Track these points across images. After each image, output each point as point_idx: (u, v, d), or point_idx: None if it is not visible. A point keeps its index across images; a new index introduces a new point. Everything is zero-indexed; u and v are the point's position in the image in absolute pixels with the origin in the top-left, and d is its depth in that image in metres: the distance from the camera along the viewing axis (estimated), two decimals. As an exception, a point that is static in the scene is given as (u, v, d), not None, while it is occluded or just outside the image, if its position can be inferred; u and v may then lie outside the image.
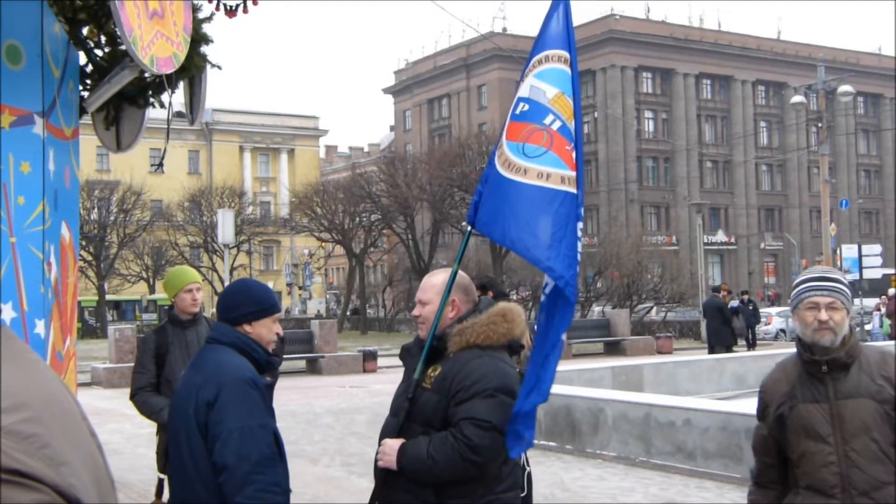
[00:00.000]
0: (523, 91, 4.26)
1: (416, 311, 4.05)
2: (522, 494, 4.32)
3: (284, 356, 25.58)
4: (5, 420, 1.39)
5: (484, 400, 3.67)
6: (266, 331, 3.87)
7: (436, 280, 4.06)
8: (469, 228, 4.41)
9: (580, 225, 4.05)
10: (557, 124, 4.12)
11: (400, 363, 4.22)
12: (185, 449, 3.65)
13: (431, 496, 3.73)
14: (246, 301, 3.89)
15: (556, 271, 3.91)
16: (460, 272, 4.12)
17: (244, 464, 3.50)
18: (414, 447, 3.71)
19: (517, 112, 4.24)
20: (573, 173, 4.06)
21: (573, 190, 4.04)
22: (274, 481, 3.57)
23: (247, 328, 3.83)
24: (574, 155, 4.09)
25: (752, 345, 28.12)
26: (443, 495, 3.73)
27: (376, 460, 3.90)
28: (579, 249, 4.00)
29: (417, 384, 3.85)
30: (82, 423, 1.58)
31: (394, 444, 3.76)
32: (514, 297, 53.39)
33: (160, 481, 6.43)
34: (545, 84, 4.21)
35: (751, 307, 28.85)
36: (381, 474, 3.84)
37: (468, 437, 3.62)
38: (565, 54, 4.27)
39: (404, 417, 3.84)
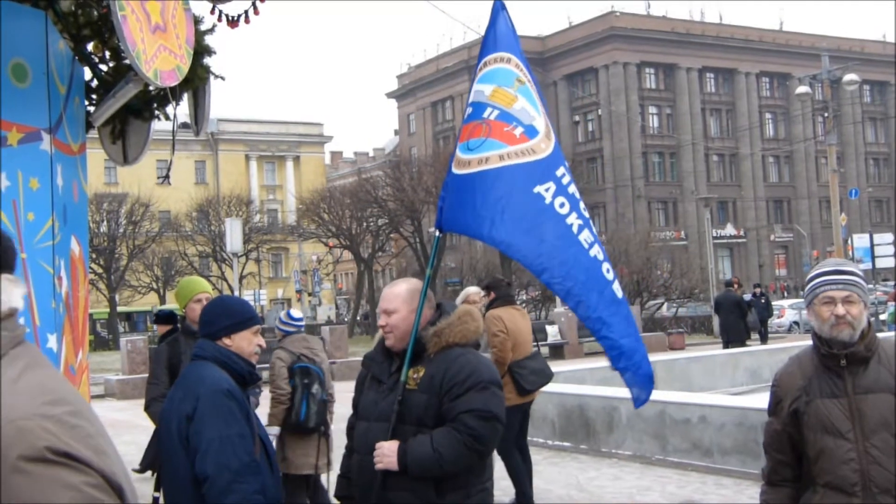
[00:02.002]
0: (471, 97, 4.67)
1: (381, 321, 4.18)
2: None
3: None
4: (52, 411, 1.53)
5: (480, 392, 3.87)
6: (246, 343, 3.92)
7: (399, 289, 4.22)
8: (437, 234, 4.68)
9: (545, 186, 4.37)
10: (495, 113, 4.51)
11: None
12: (173, 464, 3.72)
13: (432, 491, 3.86)
14: (223, 315, 3.96)
15: (496, 239, 4.31)
16: (416, 280, 4.41)
17: (224, 473, 3.54)
18: (417, 446, 3.84)
19: (465, 116, 4.65)
20: (515, 147, 4.42)
21: (520, 160, 4.39)
22: (255, 489, 3.60)
23: (226, 341, 3.89)
24: (518, 131, 4.46)
25: (763, 338, 28.03)
26: (442, 490, 3.87)
27: (359, 465, 4.04)
28: (537, 208, 4.32)
29: (403, 388, 3.98)
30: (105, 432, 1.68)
31: (391, 446, 3.88)
32: (524, 297, 53.34)
33: (154, 500, 6.45)
34: (484, 85, 4.65)
35: (763, 300, 28.74)
36: (380, 477, 3.92)
37: (473, 428, 3.80)
38: (502, 54, 4.71)
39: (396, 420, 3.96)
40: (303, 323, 8.06)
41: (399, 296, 4.17)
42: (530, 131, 4.48)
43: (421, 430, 3.88)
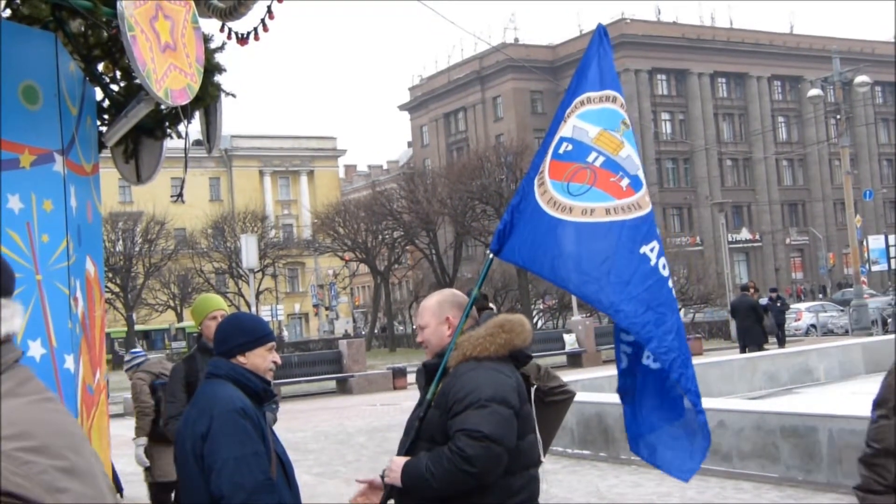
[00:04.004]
0: (566, 131, 4.41)
1: (419, 337, 4.15)
2: None
3: (315, 377, 25.80)
4: (5, 447, 1.50)
5: (476, 410, 3.69)
6: (261, 360, 3.92)
7: (429, 303, 4.16)
8: (491, 256, 4.51)
9: (650, 246, 4.21)
10: (601, 160, 4.30)
11: None
12: (189, 483, 3.73)
13: None
14: (237, 332, 3.97)
15: (604, 302, 4.13)
16: (457, 292, 4.31)
17: (239, 492, 3.55)
18: (414, 463, 3.76)
19: (560, 152, 4.38)
20: (621, 201, 4.23)
21: (624, 217, 4.20)
22: None
23: (241, 359, 3.89)
24: (624, 183, 4.26)
25: (781, 342, 27.86)
26: None
27: (383, 478, 3.98)
28: (643, 271, 4.16)
29: (429, 403, 3.92)
30: (96, 462, 1.62)
31: (399, 461, 3.82)
32: (541, 306, 53.32)
33: None
34: (588, 124, 4.39)
35: (779, 304, 28.60)
36: (388, 491, 3.91)
37: (461, 449, 3.63)
38: (610, 93, 4.51)
39: (414, 436, 3.91)
40: (144, 353, 9.54)
41: (428, 309, 4.11)
42: (636, 183, 4.33)
43: (432, 446, 3.79)
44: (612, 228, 4.17)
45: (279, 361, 4.05)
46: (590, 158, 4.31)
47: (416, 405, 4.15)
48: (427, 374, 4.05)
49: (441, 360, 3.96)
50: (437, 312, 4.07)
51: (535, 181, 4.38)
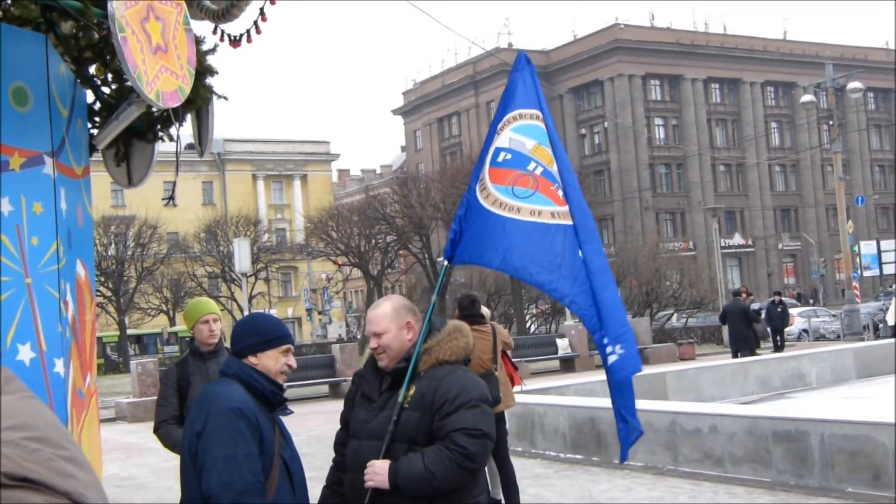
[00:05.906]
0: (502, 142, 4.82)
1: (372, 344, 4.17)
2: None
3: (308, 381, 25.72)
4: (12, 436, 1.47)
5: (469, 410, 3.90)
6: (272, 362, 3.88)
7: (383, 309, 4.22)
8: (446, 264, 4.84)
9: (584, 251, 4.56)
10: (540, 169, 4.71)
11: None
12: (187, 481, 3.72)
13: None
14: (250, 333, 3.94)
15: (560, 291, 4.51)
16: (402, 297, 4.54)
17: (228, 492, 3.52)
18: (408, 465, 3.85)
19: (498, 160, 4.77)
20: (561, 208, 4.61)
21: (566, 222, 4.58)
22: None
23: (252, 360, 3.86)
24: (561, 193, 4.64)
25: (780, 347, 27.80)
26: None
27: (351, 484, 4.06)
28: (588, 268, 4.52)
29: (401, 406, 4.00)
30: (84, 457, 1.63)
31: (383, 465, 3.89)
32: (534, 311, 53.31)
33: None
34: (524, 137, 4.81)
35: (780, 309, 28.51)
36: (369, 495, 3.93)
37: (463, 447, 3.82)
38: (536, 112, 4.89)
39: (390, 439, 3.99)
40: None
41: (385, 315, 4.17)
42: (569, 194, 4.67)
43: (412, 447, 3.89)
44: (558, 230, 4.56)
45: (294, 365, 4.01)
46: (530, 167, 4.70)
47: (359, 409, 4.20)
48: (394, 378, 4.11)
49: (407, 364, 4.05)
50: (395, 318, 4.15)
51: (477, 189, 4.70)
